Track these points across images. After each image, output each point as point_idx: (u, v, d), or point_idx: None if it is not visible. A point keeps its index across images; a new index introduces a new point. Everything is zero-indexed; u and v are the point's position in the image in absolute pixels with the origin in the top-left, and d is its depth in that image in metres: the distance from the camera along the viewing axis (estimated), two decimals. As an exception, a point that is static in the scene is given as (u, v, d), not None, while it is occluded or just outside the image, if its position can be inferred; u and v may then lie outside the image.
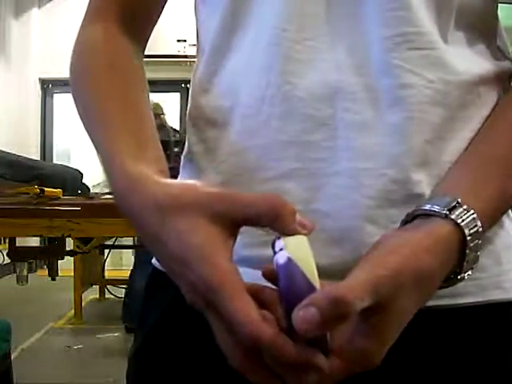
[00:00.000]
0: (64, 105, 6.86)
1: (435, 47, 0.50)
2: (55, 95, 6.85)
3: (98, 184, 3.49)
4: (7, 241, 2.63)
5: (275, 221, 0.40)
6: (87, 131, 0.54)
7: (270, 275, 0.40)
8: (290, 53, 0.51)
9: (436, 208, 0.45)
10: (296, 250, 0.39)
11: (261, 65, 0.52)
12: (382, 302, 0.39)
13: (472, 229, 0.45)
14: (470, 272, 0.46)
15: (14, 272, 2.79)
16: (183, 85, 6.56)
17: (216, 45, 0.56)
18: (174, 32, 6.00)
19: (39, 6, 6.62)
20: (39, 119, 6.78)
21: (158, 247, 0.44)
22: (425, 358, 0.52)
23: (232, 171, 0.53)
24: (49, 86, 6.79)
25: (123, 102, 0.54)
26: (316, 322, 0.35)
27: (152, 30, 0.64)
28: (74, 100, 0.58)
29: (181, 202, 0.42)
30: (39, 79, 6.68)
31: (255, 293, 0.40)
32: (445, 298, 0.51)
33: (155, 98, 6.37)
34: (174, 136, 4.43)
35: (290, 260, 0.38)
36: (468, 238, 0.44)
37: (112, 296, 4.53)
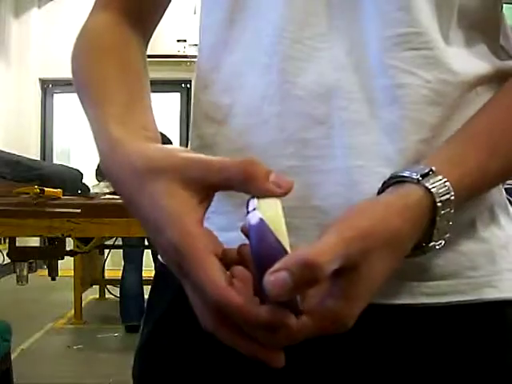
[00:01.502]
0: (64, 105, 6.85)
1: (434, 47, 0.50)
2: (55, 95, 6.85)
3: (98, 184, 3.49)
4: (7, 241, 2.63)
5: (247, 183, 0.40)
6: (81, 101, 0.56)
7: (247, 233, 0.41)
8: (289, 52, 0.52)
9: (408, 174, 0.46)
10: (268, 212, 0.39)
11: (261, 63, 0.53)
12: (352, 263, 0.40)
13: (443, 196, 0.45)
14: (441, 242, 0.47)
15: (14, 272, 2.79)
16: (183, 85, 6.56)
17: (215, 41, 0.56)
18: (173, 32, 6.00)
19: (39, 6, 6.61)
20: (39, 119, 6.77)
21: (134, 210, 0.45)
22: (417, 354, 0.52)
23: None
24: (49, 86, 6.79)
25: (119, 73, 0.55)
26: (287, 286, 0.36)
27: (157, 24, 0.66)
28: (74, 75, 0.60)
29: (156, 166, 0.43)
30: (39, 79, 6.68)
31: (229, 253, 0.41)
32: (436, 296, 0.51)
33: (155, 98, 6.37)
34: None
35: (261, 221, 0.39)
36: (438, 204, 0.45)
37: (112, 296, 4.53)
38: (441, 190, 0.45)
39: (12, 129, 6.26)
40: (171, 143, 4.53)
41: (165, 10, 0.65)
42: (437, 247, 0.47)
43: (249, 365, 0.45)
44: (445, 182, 0.46)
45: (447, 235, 0.47)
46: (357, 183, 0.50)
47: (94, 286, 4.76)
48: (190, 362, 0.58)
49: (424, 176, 0.46)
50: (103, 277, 4.78)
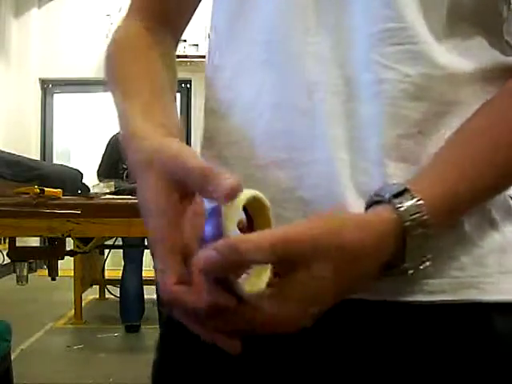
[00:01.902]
0: (64, 105, 6.86)
1: (418, 41, 0.50)
2: (55, 95, 6.85)
3: (98, 184, 3.49)
4: (7, 241, 2.63)
5: (202, 187, 0.42)
6: (112, 95, 0.58)
7: None
8: (281, 47, 0.54)
9: (382, 193, 0.46)
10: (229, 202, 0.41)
11: (258, 60, 0.55)
12: (292, 262, 0.41)
13: (414, 215, 0.45)
14: (421, 264, 0.46)
15: (14, 272, 2.79)
16: (183, 85, 6.56)
17: (220, 39, 0.59)
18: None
19: (39, 6, 6.61)
20: (39, 119, 6.78)
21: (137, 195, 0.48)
22: (397, 352, 0.52)
23: (229, 159, 0.56)
24: (49, 86, 6.79)
25: (143, 73, 0.59)
26: (214, 264, 0.39)
27: (188, 22, 0.68)
28: (106, 73, 0.62)
29: (150, 158, 0.46)
30: (39, 79, 6.68)
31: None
32: (418, 295, 0.51)
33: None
34: None
35: (216, 207, 0.42)
36: (407, 224, 0.44)
37: (112, 296, 4.53)
38: (412, 210, 0.45)
39: (12, 129, 6.26)
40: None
41: (195, 9, 0.67)
42: (412, 270, 0.46)
43: (257, 364, 0.47)
44: (418, 201, 0.45)
45: (426, 257, 0.46)
46: (337, 175, 0.51)
47: (94, 286, 4.76)
48: (199, 361, 0.59)
49: (397, 195, 0.45)
50: (103, 277, 4.78)
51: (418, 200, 0.45)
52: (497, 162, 0.49)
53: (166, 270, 0.42)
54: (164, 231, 0.44)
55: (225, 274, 0.40)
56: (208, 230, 0.43)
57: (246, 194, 0.42)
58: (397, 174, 0.50)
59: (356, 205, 0.50)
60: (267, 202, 0.44)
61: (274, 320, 0.42)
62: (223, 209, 0.41)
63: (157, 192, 0.45)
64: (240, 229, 0.44)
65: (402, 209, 0.45)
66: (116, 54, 0.63)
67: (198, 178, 0.42)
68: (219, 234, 0.41)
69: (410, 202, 0.45)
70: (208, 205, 0.44)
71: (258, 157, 0.54)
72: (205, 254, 0.40)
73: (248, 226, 0.45)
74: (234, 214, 0.42)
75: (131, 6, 0.68)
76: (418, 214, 0.45)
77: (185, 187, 0.44)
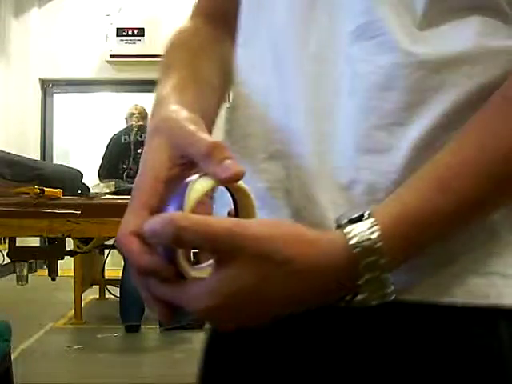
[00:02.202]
0: (64, 105, 6.86)
1: (390, 32, 0.50)
2: (55, 95, 6.85)
3: (98, 184, 3.49)
4: (7, 241, 2.63)
5: (204, 160, 0.44)
6: (160, 78, 0.63)
7: None
8: (281, 42, 0.56)
9: (340, 219, 0.45)
10: (197, 184, 0.44)
11: (265, 57, 0.57)
12: (220, 255, 0.42)
13: (364, 242, 0.43)
14: (385, 298, 0.44)
15: (14, 272, 2.79)
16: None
17: (241, 38, 0.61)
18: (173, 32, 5.99)
19: (39, 6, 6.61)
20: (39, 119, 6.78)
21: None
22: (412, 354, 0.51)
23: (240, 151, 0.58)
24: (49, 86, 6.79)
25: (188, 65, 0.63)
26: (150, 229, 0.42)
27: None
28: (161, 65, 0.67)
29: (158, 125, 0.50)
30: (39, 79, 6.68)
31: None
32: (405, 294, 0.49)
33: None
34: None
35: (186, 184, 0.44)
36: (356, 249, 0.43)
37: (112, 296, 4.53)
38: (363, 237, 0.43)
39: (12, 129, 6.26)
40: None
41: None
42: (375, 302, 0.44)
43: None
44: (372, 227, 0.43)
45: (391, 289, 0.44)
46: (312, 168, 0.52)
47: (94, 286, 4.76)
48: (248, 361, 0.58)
49: (353, 220, 0.44)
50: (103, 277, 4.78)
51: (373, 226, 0.43)
52: (481, 174, 0.45)
53: (129, 220, 0.45)
54: (146, 184, 0.46)
55: (161, 243, 0.43)
56: (172, 202, 0.44)
57: (210, 183, 0.44)
58: (369, 167, 0.49)
59: (326, 199, 0.50)
60: (248, 191, 0.46)
61: (199, 306, 0.43)
62: (190, 186, 0.43)
63: (156, 152, 0.47)
64: (228, 214, 0.47)
65: (351, 235, 0.43)
66: (174, 49, 0.67)
67: (203, 149, 0.44)
68: (178, 209, 0.43)
69: (362, 228, 0.43)
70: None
71: (261, 149, 0.56)
72: (150, 221, 0.42)
73: (235, 213, 0.47)
74: (196, 195, 0.43)
75: (195, 7, 0.72)
76: (369, 242, 0.43)
77: (186, 155, 0.46)
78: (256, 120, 0.57)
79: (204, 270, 0.44)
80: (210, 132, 0.57)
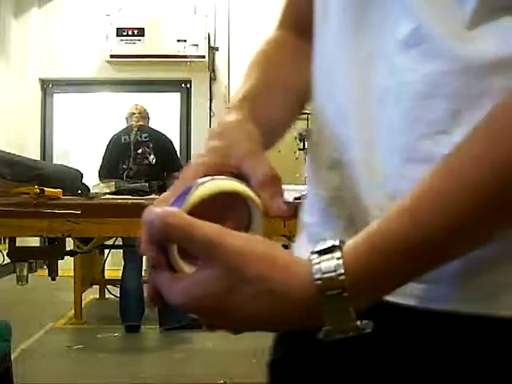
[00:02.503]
0: (64, 105, 6.85)
1: (438, 37, 0.49)
2: (55, 95, 6.85)
3: (98, 184, 3.49)
4: (7, 241, 2.63)
5: (262, 188, 0.49)
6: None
7: None
8: (335, 52, 0.58)
9: (313, 249, 0.44)
10: (200, 188, 0.46)
11: (324, 72, 0.61)
12: (200, 258, 0.44)
13: (327, 274, 0.42)
14: (352, 332, 0.43)
15: (14, 272, 2.79)
16: (183, 85, 6.56)
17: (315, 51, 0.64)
18: (173, 32, 6.00)
19: (39, 6, 6.61)
20: (39, 119, 6.77)
21: None
22: (435, 362, 0.51)
23: (312, 160, 0.63)
24: (49, 86, 6.79)
25: (264, 74, 0.66)
26: (145, 220, 0.45)
27: None
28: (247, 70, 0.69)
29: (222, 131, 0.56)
30: (39, 79, 6.68)
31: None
32: (424, 301, 0.50)
33: (155, 98, 6.37)
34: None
35: (194, 184, 0.47)
36: (318, 281, 0.42)
37: (112, 296, 4.53)
38: (326, 269, 0.43)
39: (12, 129, 6.26)
40: (171, 143, 4.54)
41: None
42: (341, 335, 0.43)
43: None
44: (336, 260, 0.43)
45: (361, 324, 0.43)
46: (363, 176, 0.54)
47: (94, 286, 4.76)
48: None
49: (322, 251, 0.43)
50: (103, 277, 4.78)
51: (338, 259, 0.43)
52: (463, 202, 0.42)
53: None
54: (195, 166, 0.52)
55: (154, 234, 0.45)
56: (179, 198, 0.47)
57: (214, 187, 0.47)
58: (414, 176, 0.48)
59: (375, 208, 0.52)
60: (259, 203, 0.48)
61: (175, 300, 0.45)
62: (197, 186, 0.46)
63: (211, 151, 0.54)
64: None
65: (316, 266, 0.43)
66: (258, 57, 0.69)
67: (260, 177, 0.51)
68: (180, 205, 0.46)
69: (328, 260, 0.43)
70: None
71: (325, 158, 0.59)
72: (150, 210, 0.46)
73: (248, 221, 0.49)
74: (200, 195, 0.46)
75: (280, 17, 0.74)
76: (332, 274, 0.42)
77: (238, 169, 0.52)
78: (320, 129, 0.60)
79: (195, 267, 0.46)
80: (272, 143, 0.62)
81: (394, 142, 0.51)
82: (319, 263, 0.43)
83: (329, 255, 0.43)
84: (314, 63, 0.63)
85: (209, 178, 0.48)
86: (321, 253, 0.44)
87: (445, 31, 0.49)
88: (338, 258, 0.43)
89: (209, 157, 0.53)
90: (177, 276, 0.45)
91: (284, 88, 0.66)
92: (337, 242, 0.44)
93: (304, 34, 0.68)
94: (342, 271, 0.42)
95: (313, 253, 0.44)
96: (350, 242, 0.44)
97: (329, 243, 0.44)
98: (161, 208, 0.45)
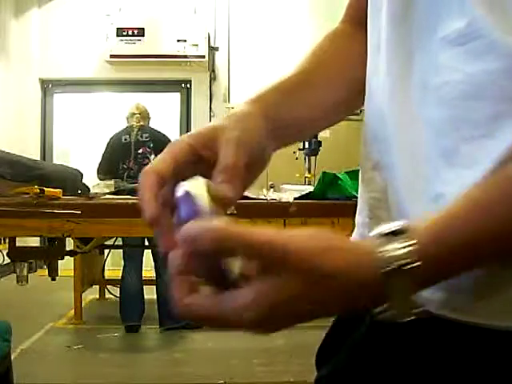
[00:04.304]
0: (64, 105, 6.85)
1: (485, 35, 0.47)
2: (55, 95, 6.84)
3: (98, 184, 3.49)
4: (7, 241, 2.63)
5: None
6: None
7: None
8: (381, 42, 0.57)
9: (377, 231, 0.44)
10: (194, 189, 0.46)
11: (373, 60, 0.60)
12: (264, 265, 0.41)
13: (397, 261, 0.41)
14: (407, 317, 0.43)
15: (14, 272, 2.78)
16: (183, 85, 6.56)
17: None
18: (174, 32, 6.00)
19: (39, 6, 6.61)
20: (39, 119, 6.77)
21: None
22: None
23: (361, 159, 0.62)
24: (49, 86, 6.79)
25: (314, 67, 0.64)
26: (190, 237, 0.41)
27: None
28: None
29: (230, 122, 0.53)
30: (39, 79, 6.68)
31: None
32: (460, 313, 0.49)
33: (155, 98, 6.37)
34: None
35: (186, 192, 0.46)
36: (388, 266, 0.41)
37: (112, 296, 4.53)
38: (395, 255, 0.42)
39: (12, 129, 6.26)
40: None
41: None
42: (400, 319, 0.43)
43: None
44: (407, 246, 0.42)
45: (418, 308, 0.43)
46: (398, 178, 0.54)
47: (94, 286, 4.76)
48: None
49: (388, 234, 0.43)
50: (103, 277, 4.78)
51: (409, 246, 0.42)
52: None
53: (158, 161, 0.50)
54: (183, 144, 0.51)
55: (198, 250, 0.42)
56: (184, 212, 0.45)
57: (204, 183, 0.47)
58: (455, 180, 0.48)
59: (414, 211, 0.51)
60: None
61: (245, 317, 0.41)
62: (194, 192, 0.46)
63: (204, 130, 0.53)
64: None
65: (382, 252, 0.42)
66: (315, 48, 0.67)
67: (220, 166, 0.49)
68: (194, 212, 0.45)
69: (395, 246, 0.42)
70: (176, 194, 0.47)
71: (367, 159, 0.59)
72: (188, 227, 0.42)
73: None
74: (205, 197, 0.46)
75: (345, 11, 0.73)
76: (402, 261, 0.41)
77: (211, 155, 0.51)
78: (366, 127, 0.60)
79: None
80: (290, 140, 0.61)
81: (436, 144, 0.49)
82: (389, 250, 0.42)
83: (397, 239, 0.42)
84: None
85: (189, 181, 0.47)
86: (388, 235, 0.43)
87: (499, 27, 0.46)
88: (409, 246, 0.42)
89: (195, 138, 0.52)
90: (235, 293, 0.42)
91: (326, 84, 0.63)
92: (402, 225, 0.43)
93: (360, 23, 0.66)
94: (414, 259, 0.41)
95: (380, 235, 0.43)
96: (416, 228, 0.43)
97: (395, 225, 0.43)
98: (204, 222, 0.42)
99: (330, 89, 0.63)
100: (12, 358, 2.34)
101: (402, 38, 0.53)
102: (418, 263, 0.41)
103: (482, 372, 0.50)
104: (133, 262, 4.10)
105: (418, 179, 0.51)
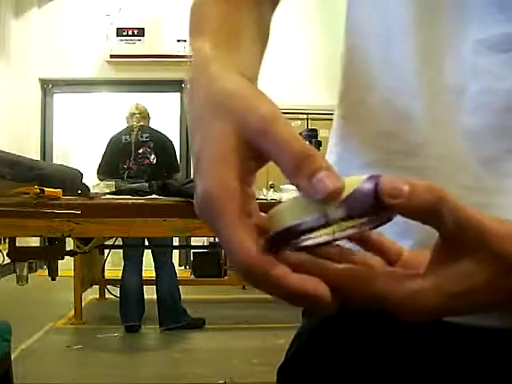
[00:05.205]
0: (64, 105, 6.86)
1: None
2: (55, 95, 6.85)
3: (98, 184, 3.49)
4: (7, 241, 2.63)
5: (293, 171, 0.35)
6: (190, 34, 0.54)
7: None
8: (397, 39, 0.51)
9: None
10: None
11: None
12: (462, 246, 0.36)
13: None
14: None
15: (14, 272, 2.79)
16: (183, 85, 6.55)
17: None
18: (173, 32, 6.00)
19: (39, 6, 6.61)
20: (39, 119, 6.78)
21: (190, 140, 0.41)
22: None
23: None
24: (49, 86, 6.79)
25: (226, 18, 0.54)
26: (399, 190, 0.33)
27: None
28: (191, 14, 0.59)
29: (222, 103, 0.39)
30: (39, 79, 6.68)
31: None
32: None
33: (155, 98, 6.37)
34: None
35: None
36: None
37: (112, 296, 4.53)
38: None
39: (12, 129, 6.26)
40: (172, 143, 4.54)
41: None
42: None
43: None
44: None
45: None
46: (449, 187, 0.49)
47: (94, 286, 4.77)
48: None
49: None
50: (103, 277, 4.79)
51: None
52: None
53: (242, 237, 0.35)
54: (229, 190, 0.36)
55: (411, 212, 0.34)
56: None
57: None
58: (499, 192, 0.46)
59: None
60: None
61: (416, 305, 0.36)
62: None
63: (224, 145, 0.37)
64: None
65: None
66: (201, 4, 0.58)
67: (290, 159, 0.35)
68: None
69: None
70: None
71: (362, 154, 0.55)
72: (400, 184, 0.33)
73: None
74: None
75: None
76: None
77: (256, 150, 0.37)
78: (375, 125, 0.54)
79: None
80: None
81: (476, 153, 0.47)
82: None
83: None
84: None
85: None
86: None
87: None
88: None
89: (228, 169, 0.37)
90: (414, 275, 0.36)
91: (250, 38, 0.54)
92: None
93: None
94: None
95: None
96: None
97: None
98: (426, 183, 0.34)
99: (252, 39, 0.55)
100: (12, 357, 2.34)
101: (429, 35, 0.50)
102: None
103: (483, 372, 0.50)
104: (133, 262, 4.11)
105: (458, 188, 0.46)
